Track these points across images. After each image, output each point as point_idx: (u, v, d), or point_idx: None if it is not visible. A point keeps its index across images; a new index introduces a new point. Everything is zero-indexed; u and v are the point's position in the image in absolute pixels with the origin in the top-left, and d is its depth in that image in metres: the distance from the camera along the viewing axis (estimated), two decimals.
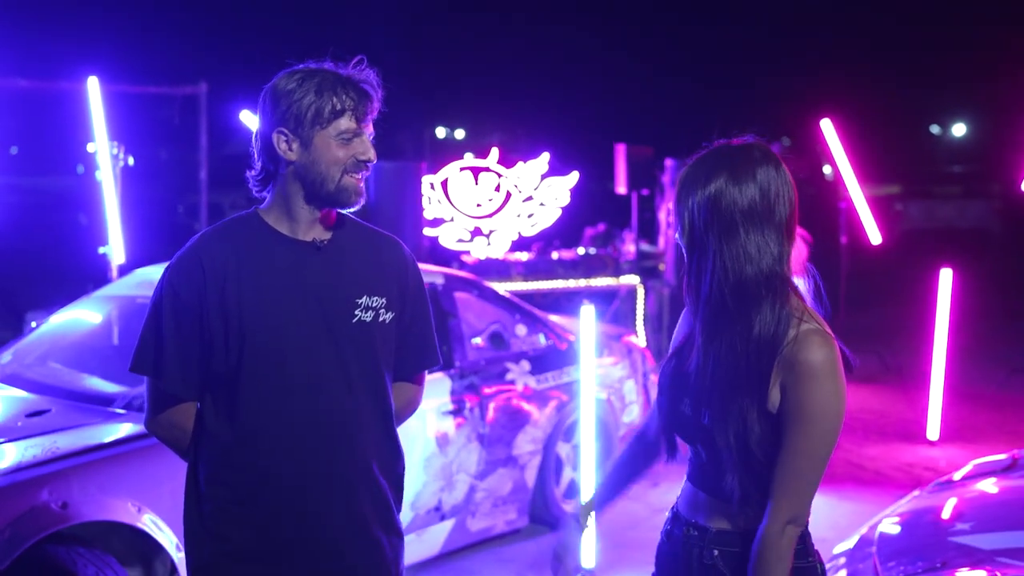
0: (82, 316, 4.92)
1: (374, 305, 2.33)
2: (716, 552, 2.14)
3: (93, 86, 6.78)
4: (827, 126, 8.37)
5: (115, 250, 6.67)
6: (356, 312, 2.31)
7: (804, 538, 2.11)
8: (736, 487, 2.07)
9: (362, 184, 2.31)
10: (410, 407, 2.58)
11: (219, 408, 2.28)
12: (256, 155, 2.32)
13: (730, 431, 2.05)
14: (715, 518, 2.16)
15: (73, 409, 3.93)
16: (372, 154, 2.29)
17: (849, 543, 3.46)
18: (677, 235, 2.15)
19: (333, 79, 2.24)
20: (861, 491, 6.02)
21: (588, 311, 4.79)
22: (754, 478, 2.06)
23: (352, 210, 2.37)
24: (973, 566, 2.90)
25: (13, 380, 4.34)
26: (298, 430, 2.26)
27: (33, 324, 5.11)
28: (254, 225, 2.32)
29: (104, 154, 6.69)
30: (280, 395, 2.24)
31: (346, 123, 2.24)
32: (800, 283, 2.25)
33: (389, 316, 2.36)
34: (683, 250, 2.14)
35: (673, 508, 2.30)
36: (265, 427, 2.24)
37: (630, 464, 2.43)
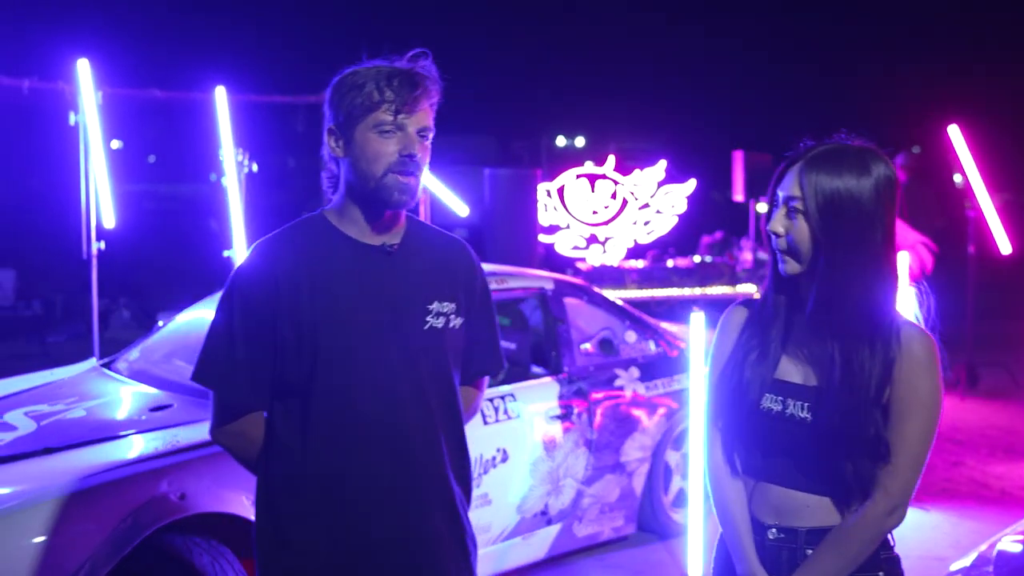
0: (205, 316, 5.10)
1: (445, 311, 2.28)
2: (810, 552, 2.13)
3: (220, 96, 7.05)
4: (955, 132, 8.10)
5: (239, 254, 6.90)
6: (428, 319, 2.26)
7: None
8: (854, 481, 2.08)
9: (410, 181, 2.20)
10: (472, 411, 2.53)
11: (290, 416, 2.24)
12: (326, 156, 2.29)
13: (852, 427, 2.05)
14: (806, 517, 2.14)
15: (194, 405, 4.09)
16: (415, 148, 2.18)
17: (966, 561, 3.35)
18: (787, 221, 2.08)
19: (375, 73, 2.18)
20: (984, 510, 5.79)
21: (698, 318, 4.74)
22: (867, 471, 2.08)
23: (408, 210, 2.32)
24: None
25: (140, 376, 4.53)
26: (369, 438, 2.22)
27: (160, 323, 5.33)
28: (322, 228, 2.27)
29: (230, 161, 6.93)
30: (352, 403, 2.21)
31: (382, 116, 2.16)
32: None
33: (459, 322, 2.32)
34: (794, 243, 2.07)
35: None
36: (336, 435, 2.21)
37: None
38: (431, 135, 2.26)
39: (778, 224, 2.09)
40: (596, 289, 5.60)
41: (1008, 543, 3.29)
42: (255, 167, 7.09)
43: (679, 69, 28.47)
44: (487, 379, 2.55)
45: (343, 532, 2.23)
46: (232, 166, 6.92)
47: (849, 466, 2.06)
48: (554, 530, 4.77)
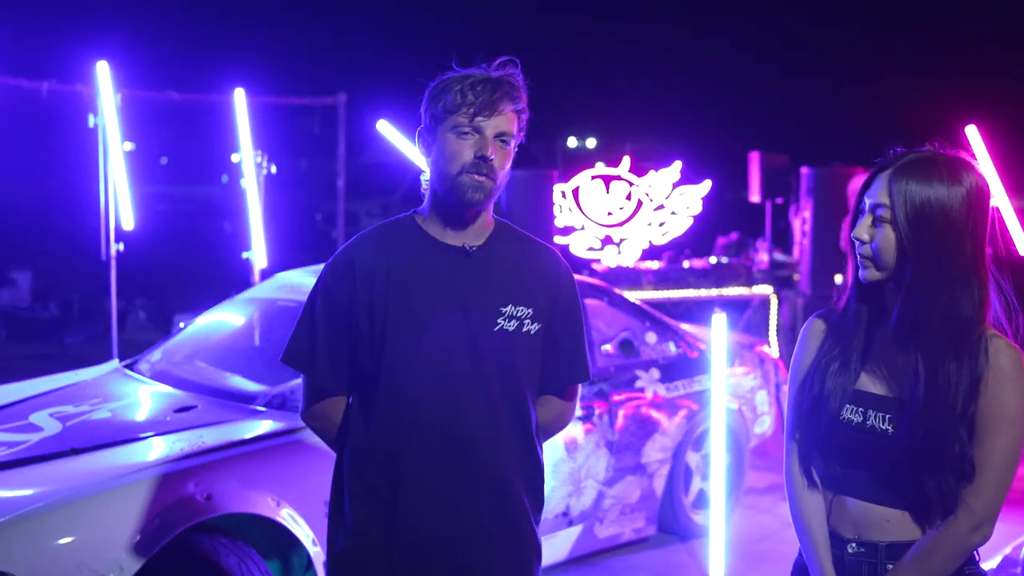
0: (226, 317, 5.12)
1: (519, 315, 2.30)
2: (891, 567, 2.09)
3: (239, 98, 7.06)
4: (972, 132, 8.07)
5: (257, 255, 6.92)
6: (499, 320, 2.28)
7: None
8: (937, 497, 2.04)
9: (484, 183, 2.24)
10: (559, 422, 2.51)
11: (363, 404, 2.34)
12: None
13: (936, 444, 2.01)
14: (886, 531, 2.11)
15: (217, 406, 4.11)
16: (489, 150, 2.21)
17: (992, 563, 3.35)
18: (873, 229, 2.06)
19: (461, 79, 2.24)
20: (1005, 511, 5.73)
21: (720, 319, 4.74)
22: (949, 488, 2.04)
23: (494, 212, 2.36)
24: None
25: (163, 377, 4.55)
26: (429, 433, 2.26)
27: (181, 325, 5.35)
28: (407, 228, 2.36)
29: (249, 163, 6.95)
30: (416, 397, 2.26)
31: (460, 118, 2.22)
32: None
33: (534, 327, 2.32)
34: (879, 251, 2.05)
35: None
36: (397, 427, 2.27)
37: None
38: (513, 141, 2.29)
39: (863, 231, 2.07)
40: (616, 290, 5.59)
41: None
42: (273, 169, 7.10)
43: (693, 70, 28.38)
44: (578, 389, 2.53)
45: (395, 520, 2.28)
46: (251, 168, 6.94)
47: (932, 482, 2.02)
48: (575, 531, 4.76)
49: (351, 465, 2.35)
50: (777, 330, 9.11)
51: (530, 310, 2.32)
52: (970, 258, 2.02)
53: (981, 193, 2.03)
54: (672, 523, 5.25)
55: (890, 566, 2.09)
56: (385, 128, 7.66)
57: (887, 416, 2.08)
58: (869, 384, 2.13)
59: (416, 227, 2.35)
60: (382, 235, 2.37)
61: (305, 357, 2.36)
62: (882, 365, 2.13)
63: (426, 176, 2.35)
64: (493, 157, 2.23)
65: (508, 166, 2.29)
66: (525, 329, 2.31)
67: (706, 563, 4.90)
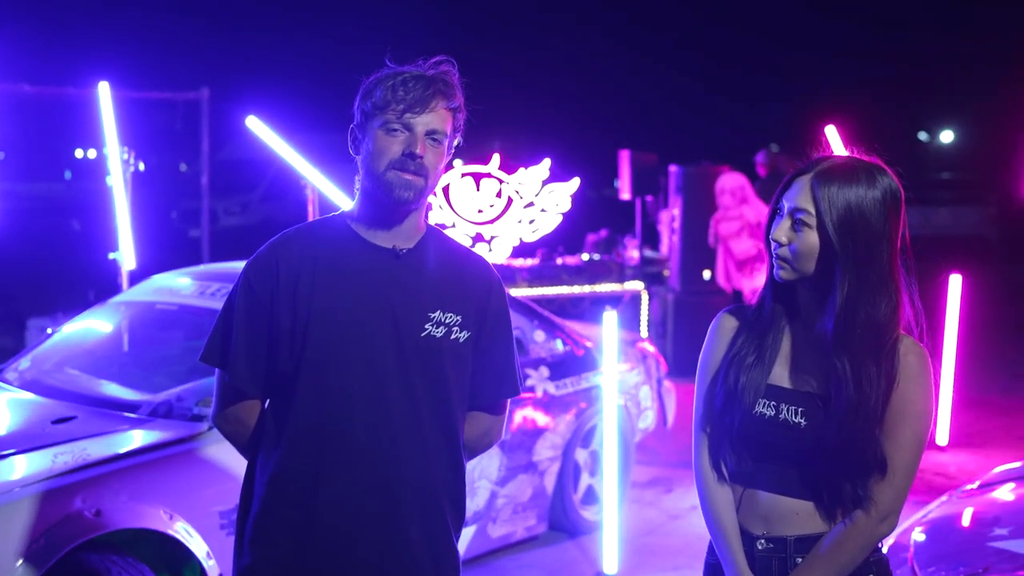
0: (99, 322, 4.88)
1: (447, 321, 2.23)
2: (800, 560, 2.14)
3: (104, 91, 6.74)
4: (832, 132, 8.38)
5: (126, 256, 6.63)
6: (426, 326, 2.22)
7: None
8: (849, 492, 2.10)
9: (413, 180, 2.17)
10: (486, 438, 2.43)
11: (281, 409, 2.24)
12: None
13: (856, 446, 2.07)
14: (794, 524, 2.15)
15: (98, 416, 3.90)
16: (418, 147, 2.16)
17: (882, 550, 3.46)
18: (792, 232, 2.10)
19: (392, 76, 2.20)
20: None
21: (611, 317, 4.78)
22: (861, 482, 2.10)
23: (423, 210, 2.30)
24: (1017, 571, 2.91)
25: (34, 387, 4.29)
26: (354, 440, 2.19)
27: (49, 331, 5.07)
28: (336, 227, 2.29)
29: (115, 160, 6.64)
30: (339, 403, 2.18)
31: (390, 115, 2.17)
32: None
33: (463, 335, 2.26)
34: (797, 253, 2.09)
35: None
36: (321, 433, 2.19)
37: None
38: (447, 140, 2.24)
39: (782, 234, 2.11)
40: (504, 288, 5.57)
41: (920, 533, 3.41)
42: (141, 166, 6.81)
43: (563, 67, 28.67)
44: (507, 404, 2.46)
45: (312, 529, 2.20)
46: (117, 165, 6.63)
47: (846, 479, 2.09)
48: (469, 532, 4.73)
49: (265, 472, 2.24)
50: (648, 325, 9.28)
51: (459, 317, 2.26)
52: (887, 263, 2.08)
53: (896, 197, 2.10)
54: (562, 520, 5.27)
55: (799, 559, 2.14)
56: (254, 124, 7.43)
57: (799, 409, 2.13)
58: (782, 379, 2.17)
59: (345, 227, 2.28)
60: (308, 233, 2.29)
61: (224, 357, 2.25)
62: (795, 361, 2.17)
63: (358, 175, 2.28)
64: (423, 155, 2.18)
65: (441, 166, 2.24)
66: (453, 336, 2.25)
67: (596, 559, 4.94)
